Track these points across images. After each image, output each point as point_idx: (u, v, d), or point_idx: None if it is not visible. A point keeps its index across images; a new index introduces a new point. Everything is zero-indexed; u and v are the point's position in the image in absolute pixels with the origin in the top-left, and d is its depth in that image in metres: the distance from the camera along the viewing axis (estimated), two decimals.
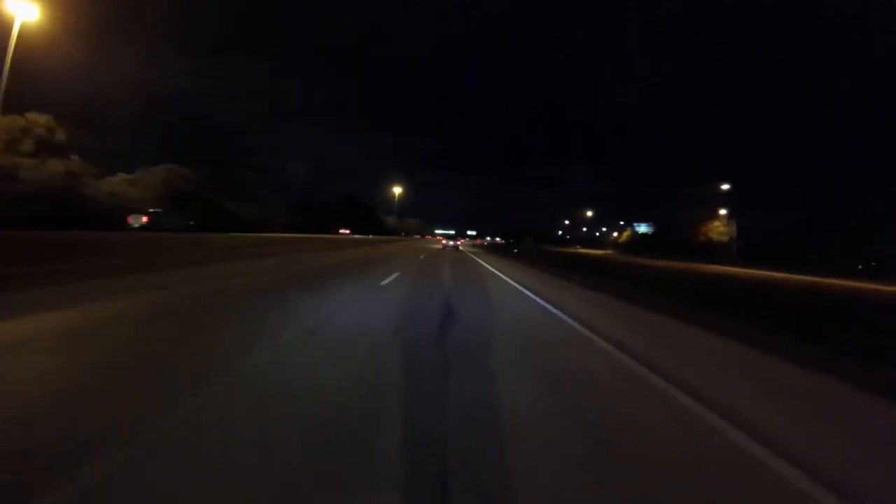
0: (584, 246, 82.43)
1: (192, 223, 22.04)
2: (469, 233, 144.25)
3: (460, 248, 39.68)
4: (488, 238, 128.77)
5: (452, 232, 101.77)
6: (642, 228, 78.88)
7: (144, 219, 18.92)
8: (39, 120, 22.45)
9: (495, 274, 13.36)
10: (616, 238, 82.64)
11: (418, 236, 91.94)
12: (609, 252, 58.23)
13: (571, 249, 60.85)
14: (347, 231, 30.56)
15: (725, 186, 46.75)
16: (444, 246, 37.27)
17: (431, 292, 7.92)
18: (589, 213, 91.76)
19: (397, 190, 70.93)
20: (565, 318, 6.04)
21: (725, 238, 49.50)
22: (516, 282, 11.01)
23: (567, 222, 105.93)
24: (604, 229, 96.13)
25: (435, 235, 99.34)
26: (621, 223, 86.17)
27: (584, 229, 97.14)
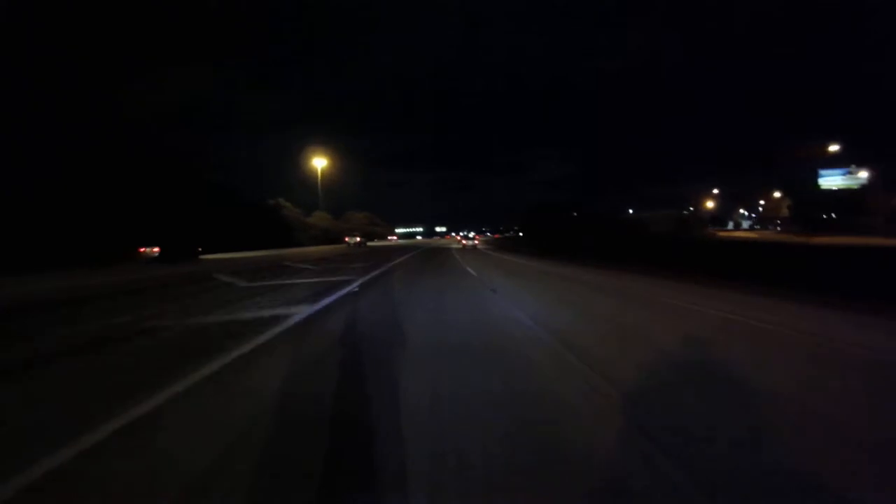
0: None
1: (367, 240, 45.17)
2: (437, 229, 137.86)
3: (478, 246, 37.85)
4: (462, 233, 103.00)
5: (472, 233, 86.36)
6: (835, 180, 45.77)
7: (358, 239, 41.99)
8: None
9: None
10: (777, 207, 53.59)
11: (359, 239, 45.27)
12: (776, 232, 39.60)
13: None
14: None
15: None
16: (465, 246, 38.11)
17: None
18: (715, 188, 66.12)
19: (320, 163, 47.90)
20: None
21: None
22: None
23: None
24: (630, 211, 76.51)
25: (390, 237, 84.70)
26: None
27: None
